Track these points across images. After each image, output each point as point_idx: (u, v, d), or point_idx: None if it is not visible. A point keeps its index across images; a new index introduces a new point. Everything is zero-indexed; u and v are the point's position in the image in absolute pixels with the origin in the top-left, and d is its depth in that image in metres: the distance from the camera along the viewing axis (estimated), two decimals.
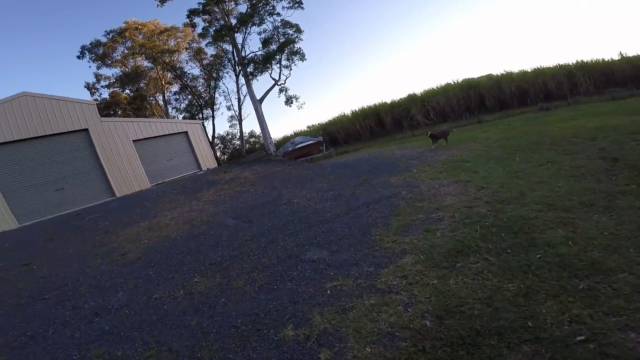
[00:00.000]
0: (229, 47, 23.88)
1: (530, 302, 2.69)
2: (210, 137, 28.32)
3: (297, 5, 20.69)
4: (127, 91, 28.46)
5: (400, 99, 23.86)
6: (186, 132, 17.90)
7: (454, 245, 3.79)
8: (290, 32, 21.00)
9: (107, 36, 25.64)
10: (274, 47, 20.97)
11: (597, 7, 40.88)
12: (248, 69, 21.48)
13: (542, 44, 43.65)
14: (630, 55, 18.65)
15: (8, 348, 3.50)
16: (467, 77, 22.62)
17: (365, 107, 24.91)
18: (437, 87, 22.99)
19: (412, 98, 23.27)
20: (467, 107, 20.70)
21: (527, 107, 18.15)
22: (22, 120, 11.99)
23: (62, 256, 6.33)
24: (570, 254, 3.21)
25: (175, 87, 29.59)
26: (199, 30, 24.25)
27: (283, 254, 4.62)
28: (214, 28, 22.60)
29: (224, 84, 37.18)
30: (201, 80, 28.83)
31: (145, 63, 27.31)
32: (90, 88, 27.93)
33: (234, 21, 21.98)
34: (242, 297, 3.74)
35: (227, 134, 31.65)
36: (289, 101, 22.01)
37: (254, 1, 20.67)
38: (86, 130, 13.72)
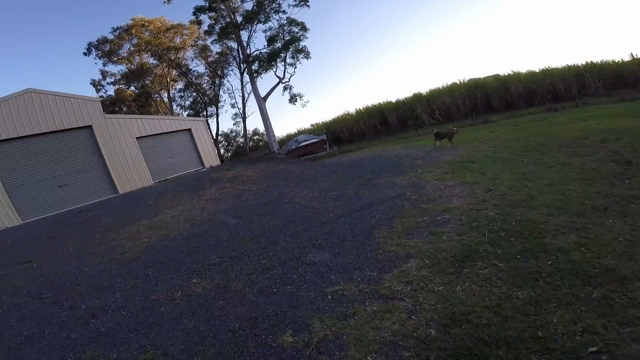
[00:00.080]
0: (234, 45, 23.89)
1: (541, 311, 2.56)
2: (214, 135, 28.35)
3: (303, 3, 20.54)
4: (133, 88, 28.56)
5: (406, 98, 23.65)
6: (190, 130, 17.87)
7: (461, 249, 3.65)
8: (296, 30, 20.87)
9: (114, 33, 25.78)
10: (279, 45, 20.86)
11: (607, 7, 40.23)
12: (253, 67, 21.41)
13: (550, 44, 43.12)
14: None
15: (4, 349, 3.42)
16: (473, 77, 22.40)
17: (370, 105, 24.77)
18: (442, 87, 22.77)
19: (417, 97, 23.05)
20: (473, 107, 20.46)
21: (534, 108, 17.88)
22: (27, 117, 12.01)
23: (62, 254, 6.28)
24: (583, 260, 3.07)
25: (180, 85, 29.69)
26: (204, 27, 24.24)
27: (284, 256, 4.51)
28: (220, 25, 22.56)
29: (228, 81, 37.52)
30: (206, 77, 28.91)
31: (151, 60, 27.40)
32: (96, 85, 28.11)
33: (239, 19, 21.91)
34: (240, 300, 3.64)
35: (231, 132, 31.77)
36: (293, 99, 21.92)
37: None
38: (90, 127, 13.72)
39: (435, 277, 3.26)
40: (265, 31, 21.41)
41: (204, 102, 28.48)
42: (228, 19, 22.00)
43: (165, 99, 29.74)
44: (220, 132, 30.04)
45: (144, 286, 4.35)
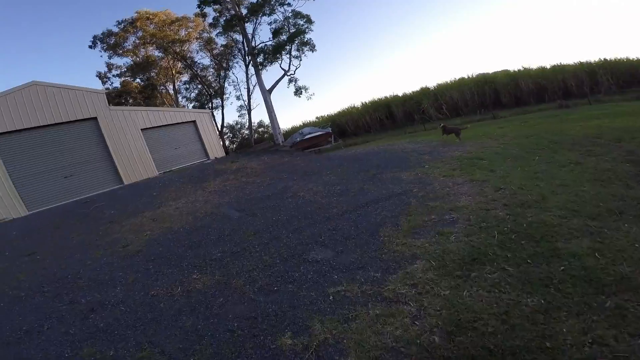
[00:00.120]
0: (239, 37, 23.65)
1: (550, 319, 2.45)
2: (219, 127, 28.34)
3: None
4: (138, 80, 28.54)
5: (413, 91, 23.34)
6: (194, 122, 17.82)
7: (469, 251, 3.52)
8: (301, 22, 20.56)
9: (119, 26, 25.63)
10: (284, 37, 20.59)
11: (622, 3, 38.98)
12: (258, 59, 21.20)
13: (562, 40, 42.07)
14: None
15: (3, 343, 3.40)
16: (482, 72, 21.94)
17: (376, 99, 24.47)
18: (451, 81, 22.38)
19: (424, 91, 22.70)
20: (481, 102, 20.09)
21: (544, 104, 17.50)
22: (32, 109, 12.05)
23: (65, 246, 6.27)
24: (597, 267, 2.94)
25: (185, 77, 29.60)
26: (209, 20, 24.04)
27: (286, 253, 4.42)
28: (225, 18, 22.32)
29: (233, 73, 37.05)
30: (211, 70, 28.80)
31: (156, 53, 27.31)
32: (102, 77, 28.13)
33: (244, 11, 21.64)
34: (240, 298, 3.56)
35: (236, 124, 31.66)
36: (298, 92, 21.69)
37: None
38: (95, 118, 13.73)
39: (441, 281, 3.15)
40: (270, 24, 21.15)
41: (209, 94, 28.39)
42: (233, 12, 21.75)
43: (171, 91, 29.69)
44: (225, 124, 30.01)
45: (144, 281, 4.30)
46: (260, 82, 21.61)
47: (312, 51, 21.07)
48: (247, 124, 28.66)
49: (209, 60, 28.40)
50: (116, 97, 27.04)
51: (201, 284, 3.96)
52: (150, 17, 26.05)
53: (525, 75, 19.87)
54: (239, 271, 4.14)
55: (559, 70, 19.06)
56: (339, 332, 2.74)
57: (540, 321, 2.45)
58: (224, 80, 28.25)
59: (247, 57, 23.54)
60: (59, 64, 43.55)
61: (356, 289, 3.28)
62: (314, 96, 28.10)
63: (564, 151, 6.83)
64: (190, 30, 27.37)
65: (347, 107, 25.77)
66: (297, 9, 20.51)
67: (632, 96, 15.09)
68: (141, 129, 15.16)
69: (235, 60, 26.86)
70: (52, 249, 6.17)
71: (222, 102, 28.63)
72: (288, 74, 21.45)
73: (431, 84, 24.77)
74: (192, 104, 28.92)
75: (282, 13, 20.82)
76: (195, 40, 27.56)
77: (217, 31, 23.86)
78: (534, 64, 21.59)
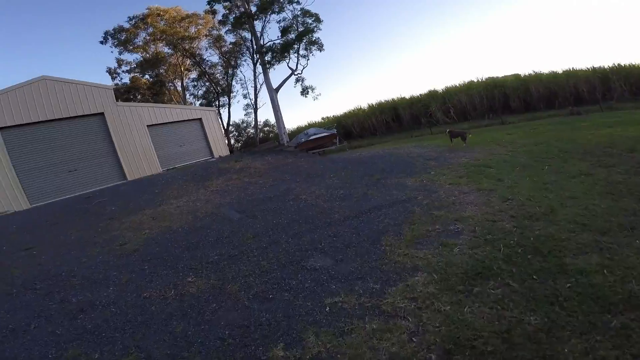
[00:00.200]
0: (248, 35, 23.58)
1: (553, 339, 2.35)
2: (225, 125, 28.36)
3: None
4: (147, 76, 28.69)
5: (420, 94, 23.06)
6: (200, 119, 17.79)
7: (473, 265, 3.38)
8: (310, 21, 20.42)
9: (130, 22, 25.77)
10: (292, 36, 20.49)
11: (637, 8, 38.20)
12: (266, 58, 21.13)
13: (575, 45, 41.37)
14: None
15: None
16: (492, 76, 21.62)
17: (383, 101, 24.24)
18: (459, 85, 22.07)
19: (432, 94, 22.43)
20: (490, 107, 19.78)
21: (554, 111, 17.15)
22: (40, 103, 12.15)
23: (63, 242, 6.24)
24: (604, 284, 2.82)
25: (193, 74, 29.66)
26: (219, 17, 24.00)
27: (284, 258, 4.31)
28: (234, 15, 22.29)
29: (241, 72, 37.18)
30: (219, 67, 28.78)
31: (166, 49, 27.41)
32: (112, 73, 28.34)
33: (253, 9, 21.59)
34: (234, 304, 3.46)
35: (242, 122, 31.66)
36: (304, 91, 21.56)
37: None
38: (102, 114, 13.77)
39: (442, 295, 3.01)
40: (279, 22, 21.05)
41: (217, 92, 28.42)
42: (242, 9, 21.71)
43: (179, 88, 29.81)
44: (231, 122, 30.03)
45: (138, 281, 4.22)
46: (267, 80, 21.54)
47: (320, 50, 20.96)
48: (253, 122, 28.63)
49: (217, 57, 28.44)
50: (125, 93, 27.23)
51: (195, 288, 3.86)
52: (161, 13, 26.18)
53: (536, 79, 19.51)
54: (234, 276, 4.03)
55: (571, 76, 18.63)
56: (333, 346, 2.62)
57: (542, 340, 2.35)
58: (232, 78, 28.28)
59: (255, 55, 23.50)
60: (71, 59, 44.09)
61: (354, 300, 3.16)
62: (320, 96, 27.94)
63: (575, 161, 6.63)
64: (200, 27, 27.43)
65: (353, 109, 25.61)
66: (306, 8, 20.41)
67: None
68: (147, 126, 15.17)
69: (243, 58, 26.86)
70: (49, 245, 6.13)
71: (229, 100, 28.69)
72: (295, 73, 21.35)
73: (439, 86, 24.46)
74: (200, 102, 29.00)
75: (291, 11, 20.73)
76: (204, 37, 27.61)
77: (226, 28, 23.85)
78: (545, 69, 21.25)
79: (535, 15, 49.15)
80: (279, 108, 21.51)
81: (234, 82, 28.70)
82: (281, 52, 20.49)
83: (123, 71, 28.37)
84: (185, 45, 26.46)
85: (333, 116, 26.56)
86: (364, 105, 25.39)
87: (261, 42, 21.80)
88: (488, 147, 9.46)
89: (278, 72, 43.22)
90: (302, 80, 21.46)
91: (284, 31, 20.48)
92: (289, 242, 4.81)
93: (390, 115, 22.90)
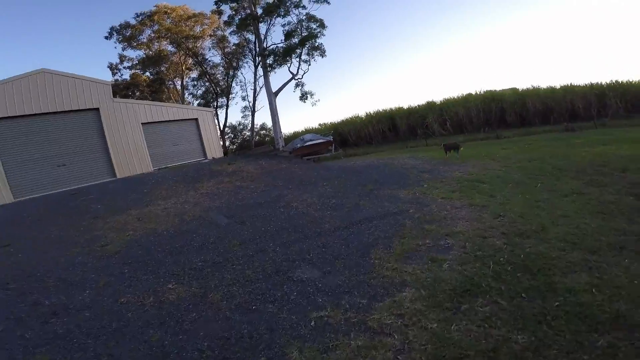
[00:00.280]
0: (251, 37, 23.60)
1: (539, 358, 2.31)
2: (222, 126, 28.23)
3: None
4: (148, 74, 28.54)
5: (418, 105, 23.21)
6: (197, 119, 17.63)
7: (461, 282, 3.30)
8: (314, 26, 20.49)
9: (137, 18, 25.70)
10: (295, 40, 20.52)
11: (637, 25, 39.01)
12: (268, 61, 21.12)
13: (574, 60, 42.03)
14: None
15: None
16: (489, 89, 21.80)
17: (380, 110, 24.33)
18: (457, 97, 22.24)
19: (430, 105, 22.58)
20: (486, 120, 19.91)
21: (549, 126, 17.31)
22: (36, 96, 11.96)
23: (43, 240, 6.03)
24: (593, 303, 2.79)
25: (194, 74, 29.61)
26: (224, 17, 24.06)
27: (270, 268, 4.19)
28: (240, 17, 22.32)
29: (241, 74, 36.93)
30: (221, 68, 28.78)
31: (169, 47, 27.36)
32: (113, 68, 28.19)
33: (259, 11, 21.65)
34: (215, 314, 3.32)
35: (239, 124, 31.50)
36: (304, 97, 21.56)
37: None
38: (97, 109, 13.57)
39: (430, 312, 2.92)
40: (283, 25, 21.13)
41: (216, 93, 28.33)
42: (248, 11, 21.76)
43: (178, 87, 29.67)
44: (228, 124, 29.90)
45: (116, 285, 4.06)
46: (267, 83, 21.51)
47: (322, 56, 21.00)
48: (250, 125, 28.52)
49: (219, 58, 28.39)
50: (124, 89, 27.03)
51: (175, 295, 3.72)
52: (169, 11, 26.19)
53: (533, 94, 19.65)
54: (217, 284, 3.90)
55: (569, 91, 18.74)
56: None
57: (529, 359, 2.30)
58: (232, 80, 28.25)
59: (257, 57, 23.50)
60: (74, 51, 43.74)
61: (340, 315, 3.05)
62: (318, 102, 27.99)
63: (567, 179, 6.63)
64: (205, 27, 27.47)
65: (350, 116, 25.65)
66: (312, 13, 20.49)
67: (639, 121, 14.85)
68: (142, 123, 14.97)
69: (245, 60, 26.87)
70: (28, 242, 5.92)
71: (228, 102, 28.64)
72: (296, 77, 21.35)
73: (438, 98, 24.61)
74: (198, 102, 28.87)
75: (297, 15, 20.77)
76: (208, 37, 27.62)
77: (231, 29, 23.86)
78: (543, 84, 21.46)
79: (536, 30, 50.09)
80: (277, 112, 21.46)
81: (233, 84, 28.73)
82: (283, 55, 20.50)
83: (124, 67, 28.28)
84: (189, 44, 26.45)
85: (330, 123, 26.56)
86: (362, 113, 25.45)
87: (264, 45, 21.82)
88: (482, 161, 9.46)
89: (278, 76, 43.27)
90: (302, 86, 21.49)
91: (288, 35, 20.50)
92: (277, 251, 4.70)
93: (387, 124, 22.95)
